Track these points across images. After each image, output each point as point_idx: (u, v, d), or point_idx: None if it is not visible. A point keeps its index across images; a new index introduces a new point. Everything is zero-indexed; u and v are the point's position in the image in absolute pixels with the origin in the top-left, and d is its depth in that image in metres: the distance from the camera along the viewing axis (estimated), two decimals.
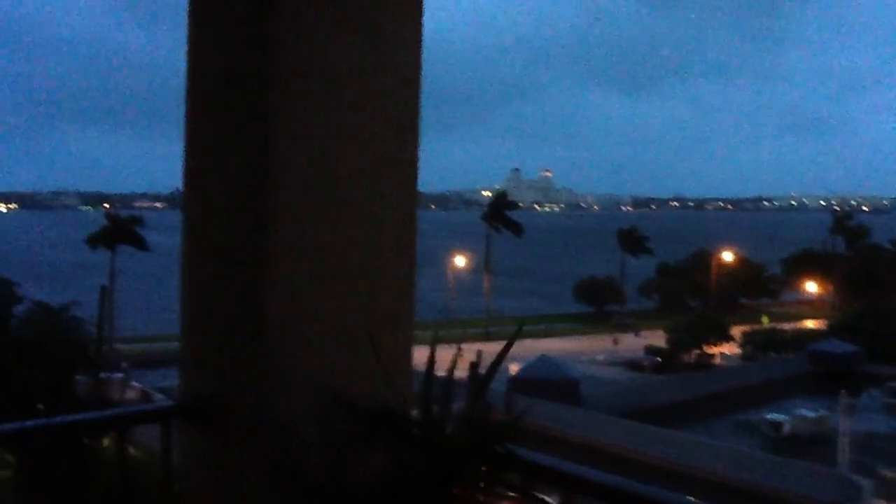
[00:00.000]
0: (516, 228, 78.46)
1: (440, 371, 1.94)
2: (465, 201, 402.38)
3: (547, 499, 1.81)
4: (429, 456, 1.81)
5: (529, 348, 50.33)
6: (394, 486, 1.81)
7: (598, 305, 78.98)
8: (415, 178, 2.26)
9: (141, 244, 59.98)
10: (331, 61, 2.05)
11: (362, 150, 2.13)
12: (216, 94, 2.15)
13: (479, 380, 1.92)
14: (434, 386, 1.89)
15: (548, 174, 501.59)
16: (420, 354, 2.01)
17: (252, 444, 2.04)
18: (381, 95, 2.15)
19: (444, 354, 2.10)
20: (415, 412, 1.94)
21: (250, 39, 2.02)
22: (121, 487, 2.52)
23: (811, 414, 38.84)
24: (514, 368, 43.05)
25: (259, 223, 2.01)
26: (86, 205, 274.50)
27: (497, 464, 1.82)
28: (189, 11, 2.23)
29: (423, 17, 2.22)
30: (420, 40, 2.22)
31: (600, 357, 57.81)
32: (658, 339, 59.64)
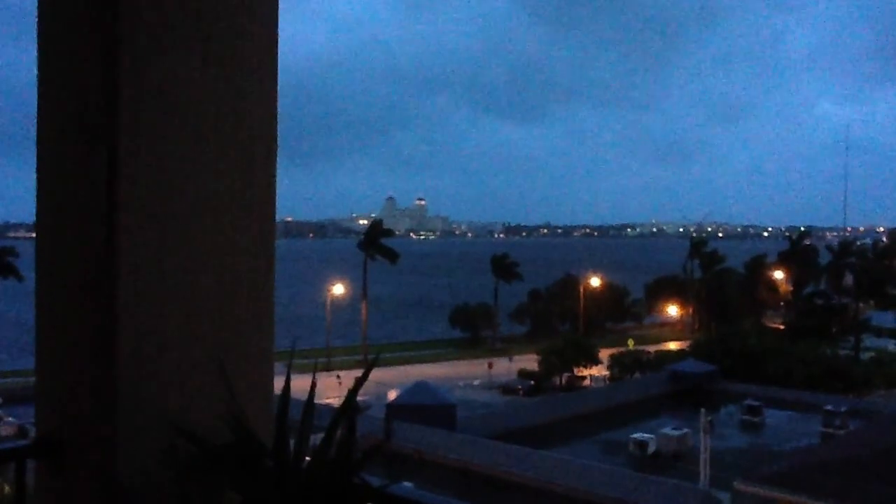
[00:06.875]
0: (391, 256, 79.00)
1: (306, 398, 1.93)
2: (341, 230, 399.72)
3: None
4: (281, 489, 1.77)
5: (407, 374, 50.86)
6: None
7: (473, 331, 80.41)
8: (271, 206, 2.24)
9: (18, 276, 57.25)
10: (182, 90, 2.06)
11: (214, 179, 2.11)
12: (65, 122, 2.12)
13: (343, 408, 1.89)
14: (298, 414, 1.89)
15: (421, 203, 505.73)
16: (296, 384, 1.92)
17: (105, 482, 1.99)
18: (234, 125, 2.15)
19: (323, 382, 2.01)
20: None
21: (99, 66, 2.02)
22: None
23: (674, 432, 40.90)
24: (392, 395, 43.36)
25: (106, 254, 1.99)
26: None
27: (353, 496, 1.81)
28: (38, 37, 2.18)
29: (279, 48, 2.26)
30: (276, 70, 2.24)
31: (476, 382, 58.95)
32: (530, 363, 61.24)
